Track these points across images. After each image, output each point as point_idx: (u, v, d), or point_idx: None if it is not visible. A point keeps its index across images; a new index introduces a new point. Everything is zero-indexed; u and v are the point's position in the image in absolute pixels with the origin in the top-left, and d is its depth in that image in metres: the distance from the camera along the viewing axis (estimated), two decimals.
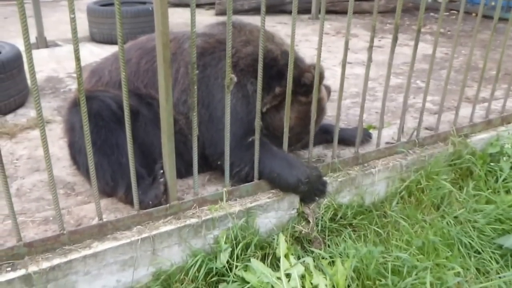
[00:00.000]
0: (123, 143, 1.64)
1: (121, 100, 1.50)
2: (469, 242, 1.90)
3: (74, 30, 1.33)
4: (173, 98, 1.73)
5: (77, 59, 1.36)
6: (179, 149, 1.74)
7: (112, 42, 4.58)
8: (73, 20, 1.31)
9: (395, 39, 2.00)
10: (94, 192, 1.57)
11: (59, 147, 2.42)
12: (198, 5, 6.75)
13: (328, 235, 1.95)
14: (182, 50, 1.95)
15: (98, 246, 1.56)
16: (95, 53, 4.39)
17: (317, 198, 1.98)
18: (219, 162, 1.88)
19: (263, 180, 1.90)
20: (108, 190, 1.82)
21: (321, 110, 2.03)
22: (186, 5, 6.59)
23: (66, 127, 1.95)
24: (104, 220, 1.63)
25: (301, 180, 1.83)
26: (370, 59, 1.97)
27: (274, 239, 1.84)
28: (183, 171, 1.92)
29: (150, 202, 1.71)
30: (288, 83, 1.78)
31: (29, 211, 1.82)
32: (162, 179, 1.70)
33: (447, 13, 6.51)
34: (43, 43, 4.58)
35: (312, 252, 1.85)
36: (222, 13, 6.42)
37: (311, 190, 1.92)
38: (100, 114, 1.79)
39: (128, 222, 1.66)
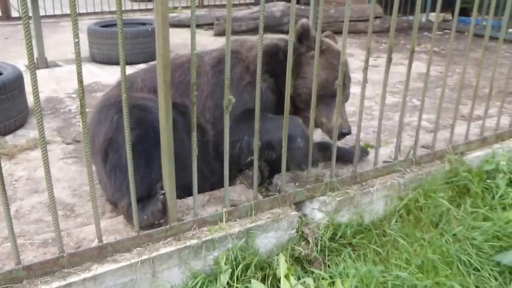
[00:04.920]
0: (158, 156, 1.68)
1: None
2: (468, 260, 1.91)
3: (78, 54, 1.37)
4: (199, 107, 2.02)
5: (80, 81, 1.39)
6: (205, 158, 1.89)
7: (112, 62, 4.63)
8: (77, 45, 1.35)
9: (389, 60, 2.05)
10: (95, 214, 1.58)
11: (59, 168, 2.43)
12: (197, 26, 6.75)
13: (328, 255, 1.94)
14: (203, 62, 2.15)
15: (98, 269, 1.55)
16: (95, 74, 4.44)
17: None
18: (248, 159, 1.99)
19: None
20: (115, 197, 1.85)
21: (331, 61, 2.13)
22: (185, 26, 6.69)
23: (109, 125, 1.89)
24: (104, 242, 1.62)
25: (299, 133, 1.93)
26: (365, 80, 2.02)
27: (274, 259, 1.84)
28: (207, 176, 2.04)
29: (145, 217, 1.70)
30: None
31: (28, 233, 1.81)
32: (161, 197, 1.70)
33: (441, 33, 6.65)
34: (43, 63, 4.63)
35: (313, 272, 1.85)
36: (220, 33, 6.54)
37: (306, 149, 1.94)
38: (154, 125, 1.78)
39: (128, 244, 1.66)
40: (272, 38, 2.28)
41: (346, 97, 2.26)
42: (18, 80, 3.06)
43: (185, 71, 2.08)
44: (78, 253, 1.57)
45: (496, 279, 1.82)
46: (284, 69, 1.89)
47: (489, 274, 1.84)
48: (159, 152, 1.67)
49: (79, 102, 1.42)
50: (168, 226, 1.72)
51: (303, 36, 2.11)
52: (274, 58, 2.07)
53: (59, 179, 2.32)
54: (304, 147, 1.96)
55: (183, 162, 1.83)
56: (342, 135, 2.13)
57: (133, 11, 8.22)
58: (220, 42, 6.20)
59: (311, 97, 1.91)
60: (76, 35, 1.34)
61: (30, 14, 4.59)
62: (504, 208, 2.23)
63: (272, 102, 2.10)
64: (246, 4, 9.08)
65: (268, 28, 5.92)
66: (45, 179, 1.44)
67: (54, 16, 7.54)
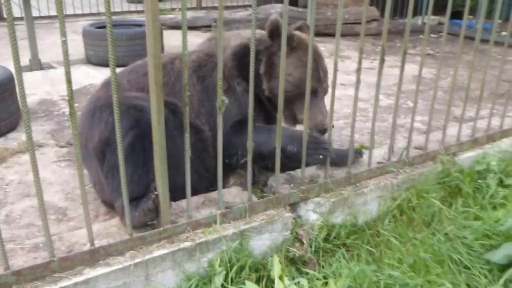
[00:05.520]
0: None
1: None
2: (458, 258, 1.93)
3: (66, 53, 1.35)
4: (193, 110, 2.03)
5: (68, 81, 1.38)
6: (202, 156, 1.91)
7: (108, 64, 4.57)
8: (64, 43, 1.34)
9: (382, 61, 2.07)
10: (86, 217, 1.56)
11: (52, 171, 2.41)
12: (195, 28, 6.78)
13: (322, 256, 1.95)
14: (191, 62, 2.13)
15: (90, 273, 1.54)
16: (90, 75, 4.41)
17: (319, 156, 1.99)
18: (242, 161, 1.99)
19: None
20: (113, 197, 1.85)
21: (302, 58, 2.09)
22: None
23: (104, 127, 1.87)
24: (96, 245, 1.60)
25: (285, 141, 1.91)
26: (358, 81, 2.03)
27: (268, 261, 1.84)
28: (204, 175, 2.06)
29: (137, 214, 1.71)
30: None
31: (19, 238, 1.79)
32: (153, 196, 1.69)
33: (436, 36, 6.70)
34: (37, 65, 4.58)
35: (307, 273, 1.85)
36: None
37: (302, 149, 1.92)
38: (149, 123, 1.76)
39: (120, 247, 1.64)
40: (246, 35, 2.18)
41: (325, 91, 2.27)
42: (8, 82, 3.02)
43: (168, 72, 2.07)
44: (70, 257, 1.55)
45: (486, 277, 1.84)
46: (256, 71, 1.87)
47: (479, 272, 1.87)
48: (150, 147, 1.67)
49: (73, 103, 1.41)
50: (161, 228, 1.71)
51: (274, 33, 2.05)
52: (243, 61, 1.98)
53: (51, 183, 2.30)
54: (295, 146, 1.99)
55: (176, 162, 1.83)
56: (323, 131, 2.15)
57: (130, 12, 8.17)
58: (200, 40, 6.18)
59: (288, 97, 1.96)
60: (63, 33, 1.33)
61: (22, 15, 4.55)
62: (494, 207, 2.25)
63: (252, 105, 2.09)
64: (244, 6, 9.07)
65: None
66: (34, 182, 1.42)
67: (49, 17, 7.41)
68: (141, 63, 2.17)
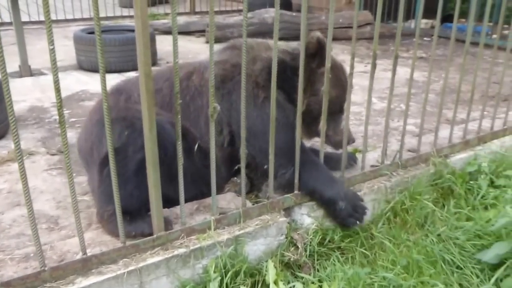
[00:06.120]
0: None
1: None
2: (451, 259, 1.95)
3: (54, 62, 1.34)
4: (202, 130, 1.95)
5: (57, 90, 1.37)
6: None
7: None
8: (52, 52, 1.33)
9: (373, 67, 2.09)
10: (77, 225, 1.54)
11: (43, 180, 2.37)
12: (189, 33, 6.75)
13: (317, 259, 1.95)
14: (205, 81, 1.99)
15: (82, 282, 1.52)
16: (82, 81, 4.36)
17: (356, 222, 2.01)
18: (265, 166, 1.94)
19: (302, 193, 2.01)
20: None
21: (340, 77, 2.14)
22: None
23: (117, 139, 1.81)
24: (89, 254, 1.59)
25: (340, 195, 1.95)
26: (351, 86, 2.04)
27: (263, 266, 1.83)
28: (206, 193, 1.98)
29: (131, 229, 1.73)
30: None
31: (8, 248, 1.76)
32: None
33: (430, 39, 6.77)
34: (27, 71, 4.52)
35: (302, 277, 1.85)
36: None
37: (348, 209, 1.98)
38: (166, 146, 1.76)
39: (113, 255, 1.63)
40: (270, 44, 2.11)
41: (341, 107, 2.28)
42: None
43: (183, 90, 1.95)
44: (61, 266, 1.53)
45: (477, 276, 1.87)
46: (294, 87, 1.92)
47: (471, 272, 1.89)
48: (163, 172, 1.65)
49: (62, 111, 1.40)
50: (155, 236, 1.70)
51: (318, 52, 2.01)
52: (281, 76, 1.91)
53: (43, 191, 2.27)
54: (346, 208, 1.98)
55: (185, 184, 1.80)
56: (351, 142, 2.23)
57: (122, 17, 8.11)
58: (194, 44, 6.14)
59: (321, 113, 1.97)
60: (51, 42, 1.32)
61: (11, 19, 4.50)
62: (485, 208, 2.28)
63: (293, 112, 2.01)
64: (239, 11, 9.04)
65: (260, 35, 5.90)
66: (23, 191, 1.40)
67: (39, 22, 7.23)
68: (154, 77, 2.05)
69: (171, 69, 2.02)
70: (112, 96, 1.96)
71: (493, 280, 1.81)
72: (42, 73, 4.68)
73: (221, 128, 2.00)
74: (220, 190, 2.04)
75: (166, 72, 2.10)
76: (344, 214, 1.99)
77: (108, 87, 2.04)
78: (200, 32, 6.80)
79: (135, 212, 1.79)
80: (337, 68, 2.14)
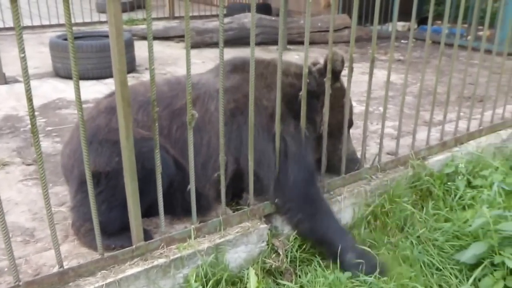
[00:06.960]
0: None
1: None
2: (430, 261, 1.98)
3: (25, 71, 1.31)
4: (198, 171, 1.80)
5: (29, 99, 1.34)
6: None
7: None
8: (23, 60, 1.30)
9: (351, 70, 2.11)
10: (53, 237, 1.50)
11: (18, 191, 2.31)
12: (168, 38, 6.66)
13: (299, 265, 1.95)
14: (210, 115, 1.90)
15: None
16: (59, 89, 4.26)
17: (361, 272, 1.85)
18: (287, 214, 1.95)
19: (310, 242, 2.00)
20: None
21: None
22: (155, 38, 6.48)
23: (107, 160, 1.78)
24: (65, 267, 1.55)
25: (350, 247, 1.88)
26: (328, 90, 2.06)
27: (245, 273, 1.82)
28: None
29: (109, 243, 1.72)
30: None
31: None
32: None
33: (407, 41, 6.87)
34: (1, 79, 4.38)
35: (284, 284, 1.84)
36: (192, 46, 6.40)
37: (357, 262, 1.86)
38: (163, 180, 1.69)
39: (91, 268, 1.59)
40: (273, 60, 2.08)
41: (351, 123, 2.35)
42: None
43: (183, 124, 1.77)
44: (36, 280, 1.49)
45: (456, 277, 1.91)
46: (316, 111, 2.00)
47: (450, 273, 1.92)
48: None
49: (35, 121, 1.36)
50: (134, 246, 1.67)
51: (338, 72, 2.04)
52: (293, 102, 1.90)
53: (18, 203, 2.20)
54: (355, 255, 1.88)
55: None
56: (355, 161, 2.31)
57: (100, 22, 7.97)
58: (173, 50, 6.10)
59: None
60: (21, 50, 1.29)
61: None
62: (463, 208, 2.33)
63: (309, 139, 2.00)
64: (218, 15, 9.06)
65: (240, 40, 5.89)
66: None
67: (14, 28, 7.22)
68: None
69: (173, 95, 1.94)
70: (104, 115, 1.87)
71: (471, 280, 1.85)
72: (17, 81, 4.55)
73: (226, 164, 1.82)
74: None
75: (167, 97, 1.95)
76: (352, 266, 1.87)
77: (91, 97, 1.97)
78: (180, 37, 6.74)
79: (118, 230, 1.78)
80: (342, 85, 2.21)
